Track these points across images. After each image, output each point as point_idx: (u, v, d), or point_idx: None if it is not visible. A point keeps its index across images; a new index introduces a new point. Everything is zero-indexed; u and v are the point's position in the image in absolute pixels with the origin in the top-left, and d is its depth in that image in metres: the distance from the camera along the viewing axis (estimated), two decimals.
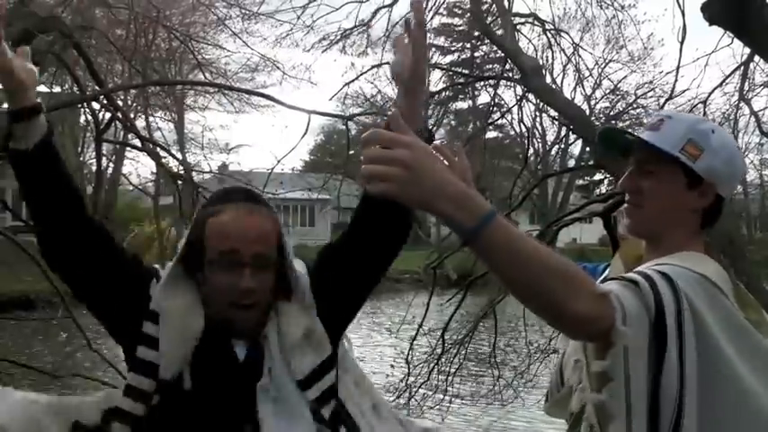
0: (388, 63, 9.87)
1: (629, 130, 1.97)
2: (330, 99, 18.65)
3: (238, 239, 1.95)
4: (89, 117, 9.11)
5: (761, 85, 8.50)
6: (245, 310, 1.96)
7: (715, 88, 8.00)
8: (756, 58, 7.02)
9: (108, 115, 8.43)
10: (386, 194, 1.45)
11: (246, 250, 1.95)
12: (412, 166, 1.44)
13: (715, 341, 1.65)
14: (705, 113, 8.27)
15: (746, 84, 7.82)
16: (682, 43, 6.99)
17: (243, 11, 10.62)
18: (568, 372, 1.91)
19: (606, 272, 2.09)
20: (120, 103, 9.78)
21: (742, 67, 7.60)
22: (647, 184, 1.87)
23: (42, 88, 10.60)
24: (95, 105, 8.34)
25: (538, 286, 1.52)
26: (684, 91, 8.57)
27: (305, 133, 5.55)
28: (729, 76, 7.85)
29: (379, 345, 18.93)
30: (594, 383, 1.70)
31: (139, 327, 1.94)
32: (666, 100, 8.34)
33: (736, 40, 5.82)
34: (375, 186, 1.45)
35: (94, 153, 9.23)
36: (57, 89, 10.49)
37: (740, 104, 7.89)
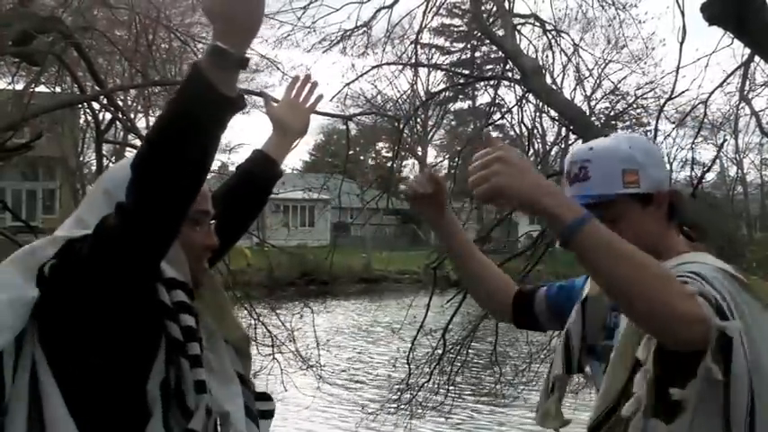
0: (387, 64, 9.83)
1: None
2: (330, 99, 18.58)
3: (208, 201, 2.03)
4: (89, 117, 9.12)
5: (761, 85, 8.51)
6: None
7: (715, 88, 8.00)
8: (757, 57, 7.02)
9: (108, 116, 8.46)
10: (494, 191, 1.54)
11: (210, 211, 2.04)
12: (512, 161, 1.53)
13: (754, 333, 1.64)
14: (706, 114, 8.27)
15: (747, 84, 7.82)
16: (682, 43, 6.99)
17: None
18: (637, 382, 1.72)
19: (586, 285, 2.10)
20: (121, 103, 9.80)
21: (742, 67, 7.60)
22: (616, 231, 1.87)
23: (43, 89, 10.60)
24: (96, 106, 8.36)
25: (639, 284, 1.52)
26: (684, 91, 8.56)
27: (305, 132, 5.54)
28: (730, 76, 7.86)
29: (380, 345, 18.93)
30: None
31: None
32: (666, 100, 8.34)
33: (736, 40, 5.82)
34: (482, 189, 1.55)
35: (95, 154, 9.25)
36: (57, 90, 10.48)
37: (741, 104, 7.90)
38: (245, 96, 1.70)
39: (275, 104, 2.61)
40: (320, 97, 2.65)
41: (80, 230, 1.77)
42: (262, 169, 2.47)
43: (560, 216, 1.52)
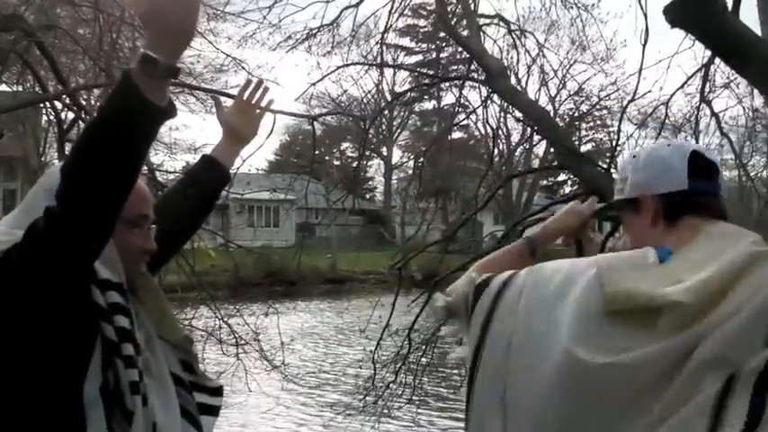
0: (353, 64, 9.81)
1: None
2: (296, 99, 18.60)
3: (149, 205, 2.04)
4: (52, 117, 9.03)
5: (721, 87, 8.60)
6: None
7: (677, 90, 8.06)
8: (717, 60, 7.11)
9: (71, 115, 8.37)
10: None
11: (150, 215, 2.04)
12: None
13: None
14: (667, 115, 8.35)
15: (707, 85, 7.92)
16: (644, 45, 7.05)
17: (210, 10, 10.55)
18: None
19: None
20: (84, 102, 9.70)
21: (703, 69, 7.69)
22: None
23: (4, 88, 10.47)
24: (58, 105, 8.27)
25: None
26: (647, 93, 8.64)
27: (270, 133, 5.55)
28: (691, 77, 7.93)
29: (345, 345, 18.93)
30: None
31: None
32: (629, 102, 8.41)
33: (697, 42, 5.88)
34: None
35: (57, 153, 9.16)
36: (19, 88, 10.36)
37: (701, 106, 7.99)
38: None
39: (226, 109, 2.63)
40: (271, 102, 2.67)
41: (19, 231, 1.74)
42: (210, 174, 2.49)
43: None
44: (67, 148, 8.18)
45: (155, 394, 1.89)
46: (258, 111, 2.65)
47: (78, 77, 11.68)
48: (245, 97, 2.63)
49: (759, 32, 3.57)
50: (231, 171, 2.64)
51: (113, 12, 9.25)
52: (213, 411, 2.12)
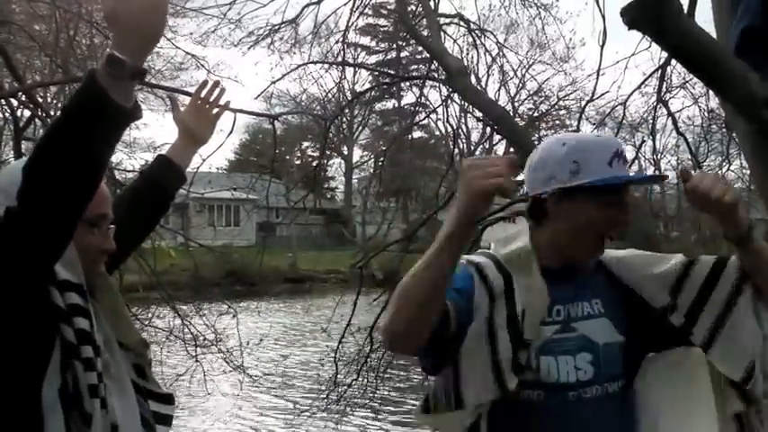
0: (313, 63, 9.74)
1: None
2: (256, 98, 18.45)
3: (107, 204, 1.99)
4: (7, 114, 8.89)
5: (678, 87, 8.71)
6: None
7: (634, 90, 8.16)
8: (674, 60, 7.17)
9: (28, 112, 8.25)
10: (736, 200, 1.90)
11: (110, 214, 2.00)
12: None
13: None
14: (625, 115, 8.46)
15: (664, 86, 8.01)
16: (602, 46, 7.13)
17: (169, 7, 10.46)
18: None
19: (481, 283, 2.09)
20: (41, 99, 9.57)
21: (660, 70, 7.78)
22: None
23: None
24: (14, 102, 8.14)
25: None
26: (605, 93, 8.74)
27: (230, 132, 5.50)
28: (648, 78, 8.03)
29: (306, 345, 18.88)
30: None
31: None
32: (587, 102, 8.50)
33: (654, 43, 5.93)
34: (731, 195, 1.89)
35: (13, 152, 9.02)
36: None
37: (658, 106, 8.08)
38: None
39: (182, 109, 2.63)
40: (228, 103, 2.67)
41: None
42: (165, 175, 2.48)
43: (745, 219, 1.93)
44: (24, 145, 8.08)
45: (115, 396, 1.86)
46: (214, 111, 2.64)
47: (35, 74, 11.52)
48: (201, 96, 2.62)
49: (714, 34, 3.63)
50: (191, 170, 2.62)
51: (70, 8, 9.13)
52: (167, 421, 2.09)
